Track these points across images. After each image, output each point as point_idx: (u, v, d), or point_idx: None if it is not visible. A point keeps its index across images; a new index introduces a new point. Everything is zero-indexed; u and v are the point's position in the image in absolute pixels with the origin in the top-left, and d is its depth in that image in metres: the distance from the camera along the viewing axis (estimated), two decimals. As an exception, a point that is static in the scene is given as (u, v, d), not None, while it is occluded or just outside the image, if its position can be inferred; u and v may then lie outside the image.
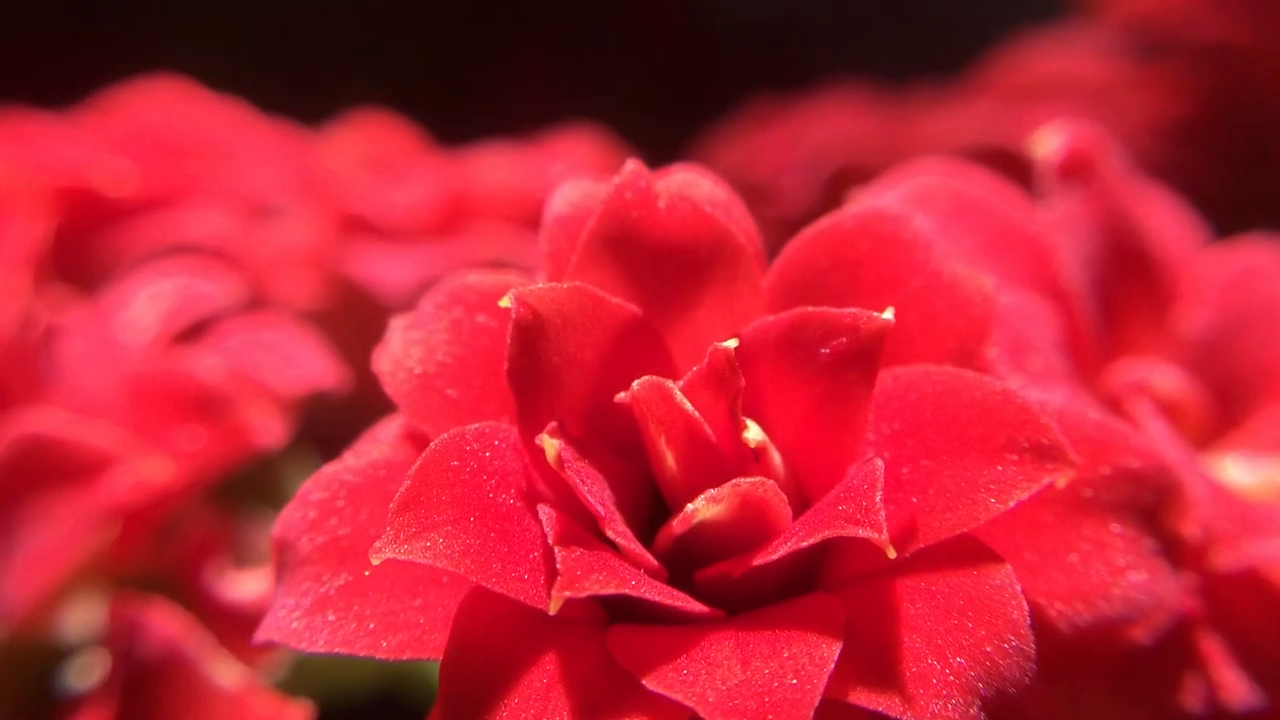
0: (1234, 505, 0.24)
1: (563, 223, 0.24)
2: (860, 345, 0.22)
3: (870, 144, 0.54)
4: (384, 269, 0.42)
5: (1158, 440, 0.25)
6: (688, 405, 0.22)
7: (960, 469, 0.21)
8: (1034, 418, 0.21)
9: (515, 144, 0.49)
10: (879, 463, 0.21)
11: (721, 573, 0.21)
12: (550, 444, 0.20)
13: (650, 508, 0.23)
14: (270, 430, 0.28)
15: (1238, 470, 0.29)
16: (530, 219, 0.32)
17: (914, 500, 0.21)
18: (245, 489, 0.33)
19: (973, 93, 0.54)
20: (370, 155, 0.46)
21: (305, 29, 0.77)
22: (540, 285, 0.22)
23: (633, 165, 0.24)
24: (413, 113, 0.49)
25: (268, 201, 0.41)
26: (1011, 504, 0.21)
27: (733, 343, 0.22)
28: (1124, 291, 0.30)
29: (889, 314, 0.22)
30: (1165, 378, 0.28)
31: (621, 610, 0.21)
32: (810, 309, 0.23)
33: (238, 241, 0.39)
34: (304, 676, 0.29)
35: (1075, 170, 0.29)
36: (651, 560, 0.21)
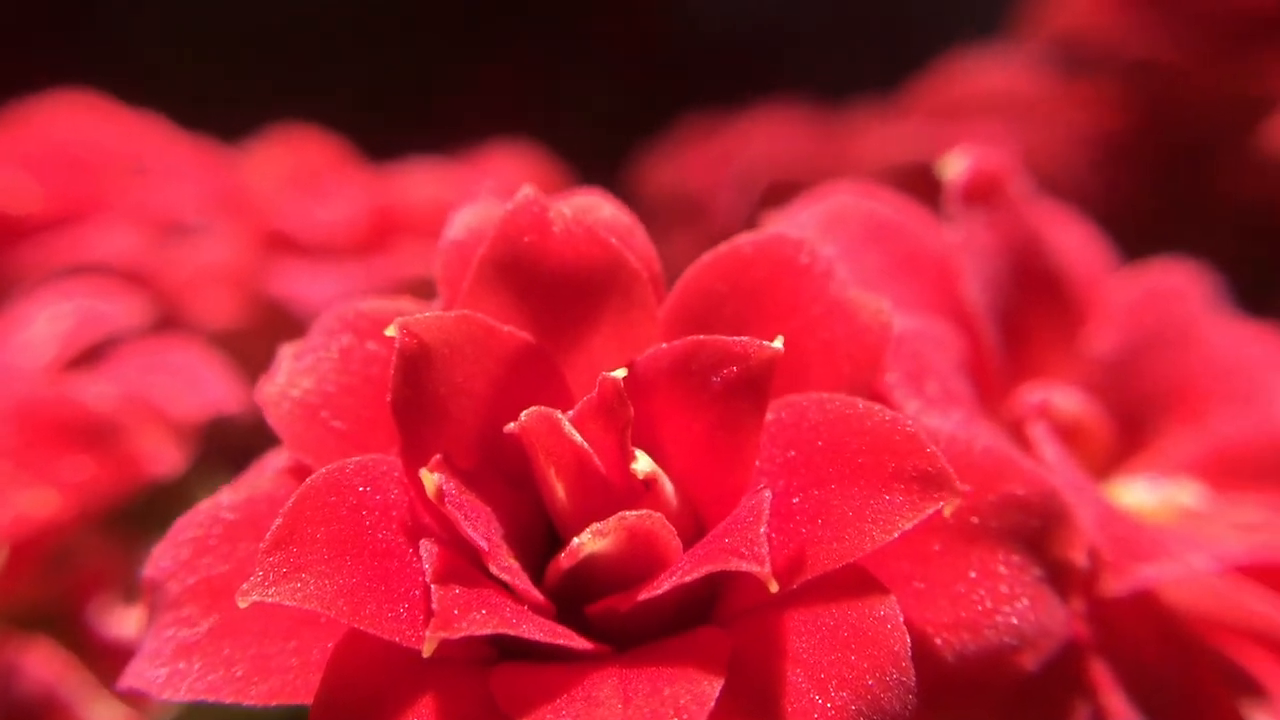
0: (1125, 529, 0.24)
1: (457, 248, 0.24)
2: (750, 374, 0.22)
3: (802, 161, 0.54)
4: (305, 287, 0.42)
5: (1052, 464, 0.25)
6: (576, 436, 0.22)
7: (848, 499, 0.21)
8: (920, 446, 0.21)
9: (446, 160, 0.48)
10: (766, 494, 0.21)
11: (609, 608, 0.21)
12: (430, 478, 0.20)
13: (546, 541, 0.23)
14: (165, 458, 0.27)
15: (1141, 492, 0.29)
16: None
17: (804, 531, 0.21)
18: (158, 517, 0.33)
19: (905, 109, 0.55)
20: (295, 171, 0.45)
21: (276, 39, 0.76)
22: (427, 314, 0.22)
23: (527, 190, 0.24)
24: (380, 126, 0.49)
25: (184, 219, 0.41)
26: (896, 534, 0.20)
27: (621, 372, 0.22)
28: (1031, 314, 0.30)
29: (779, 343, 0.22)
30: (1067, 400, 0.29)
31: (513, 648, 0.21)
32: (702, 337, 0.22)
33: (150, 260, 0.38)
34: (199, 715, 0.28)
35: (980, 193, 0.30)
36: (538, 596, 0.21)
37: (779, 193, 0.47)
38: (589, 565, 0.21)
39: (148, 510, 0.32)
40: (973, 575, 0.22)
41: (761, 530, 0.20)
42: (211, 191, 0.42)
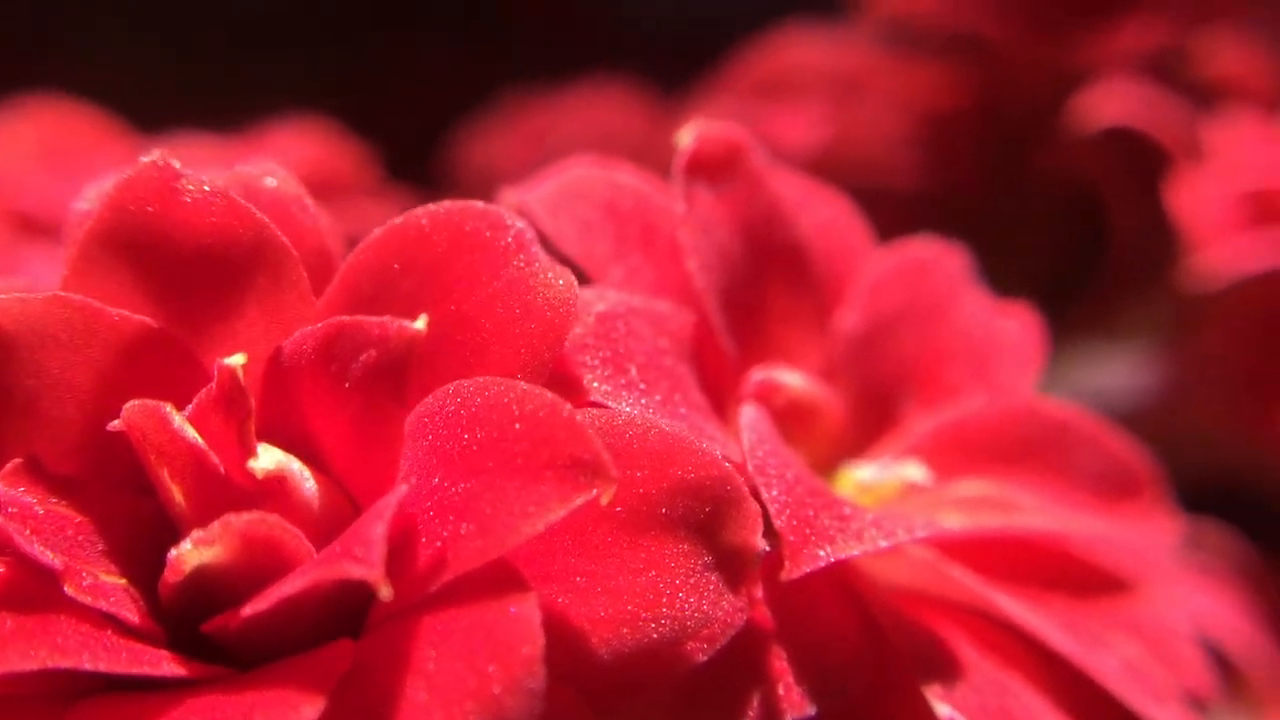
0: (811, 511, 0.23)
1: (80, 219, 0.21)
2: (389, 358, 0.20)
3: (628, 140, 0.52)
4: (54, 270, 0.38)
5: (749, 446, 0.23)
6: (189, 432, 0.19)
7: (496, 490, 0.19)
8: (576, 432, 0.19)
9: (225, 136, 0.45)
10: (400, 490, 0.19)
11: (222, 626, 0.19)
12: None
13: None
14: None
15: (870, 473, 0.28)
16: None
17: (449, 527, 0.19)
18: None
19: (725, 88, 0.53)
20: (46, 146, 0.42)
21: (214, 24, 0.71)
22: (7, 296, 0.19)
23: (156, 154, 0.21)
24: (309, 104, 0.46)
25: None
26: (543, 525, 0.19)
27: (239, 358, 0.19)
28: (772, 292, 0.29)
29: (421, 323, 0.20)
30: (793, 380, 0.27)
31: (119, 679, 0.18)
32: (344, 319, 0.20)
33: None
34: None
35: (708, 166, 0.28)
36: (133, 618, 0.18)
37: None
38: (203, 578, 0.19)
39: None
40: (640, 567, 0.20)
41: (378, 531, 0.18)
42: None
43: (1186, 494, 0.49)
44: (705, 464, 0.21)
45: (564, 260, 0.27)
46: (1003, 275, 0.58)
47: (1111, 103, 0.46)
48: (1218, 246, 0.38)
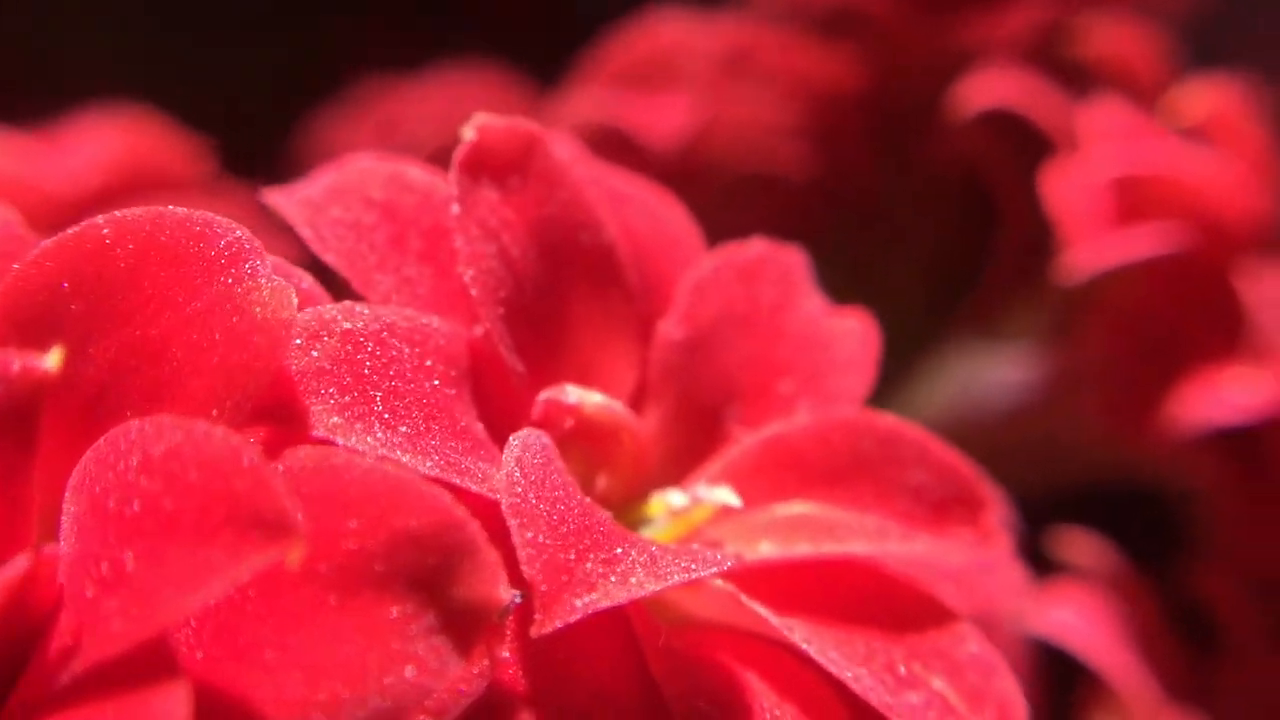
0: (585, 553, 0.20)
1: None
2: (13, 402, 0.16)
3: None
4: None
5: (507, 481, 0.20)
6: None
7: (158, 556, 0.17)
8: (260, 482, 0.17)
9: (30, 129, 0.42)
10: (19, 563, 0.16)
11: None
12: None
13: None
14: None
15: (682, 497, 0.25)
16: (29, 211, 0.26)
17: (101, 604, 0.16)
18: None
19: (591, 76, 0.50)
20: None
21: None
22: None
23: None
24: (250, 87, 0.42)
25: None
26: (210, 597, 0.16)
27: None
28: (578, 304, 0.26)
29: (53, 359, 0.17)
30: (592, 400, 0.24)
31: None
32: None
33: None
34: None
35: (491, 164, 0.25)
36: None
37: (442, 162, 0.42)
38: None
39: None
40: (347, 635, 0.17)
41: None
42: None
43: (1067, 496, 0.47)
44: (432, 510, 0.19)
45: (316, 270, 0.24)
46: (891, 268, 0.56)
47: (989, 86, 0.44)
48: (1081, 239, 0.36)
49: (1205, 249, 0.38)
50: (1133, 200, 0.37)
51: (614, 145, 0.49)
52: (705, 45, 0.51)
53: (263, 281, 0.20)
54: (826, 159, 0.54)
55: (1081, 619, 0.34)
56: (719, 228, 0.34)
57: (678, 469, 0.27)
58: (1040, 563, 0.39)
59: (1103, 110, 0.40)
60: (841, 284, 0.54)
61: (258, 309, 0.19)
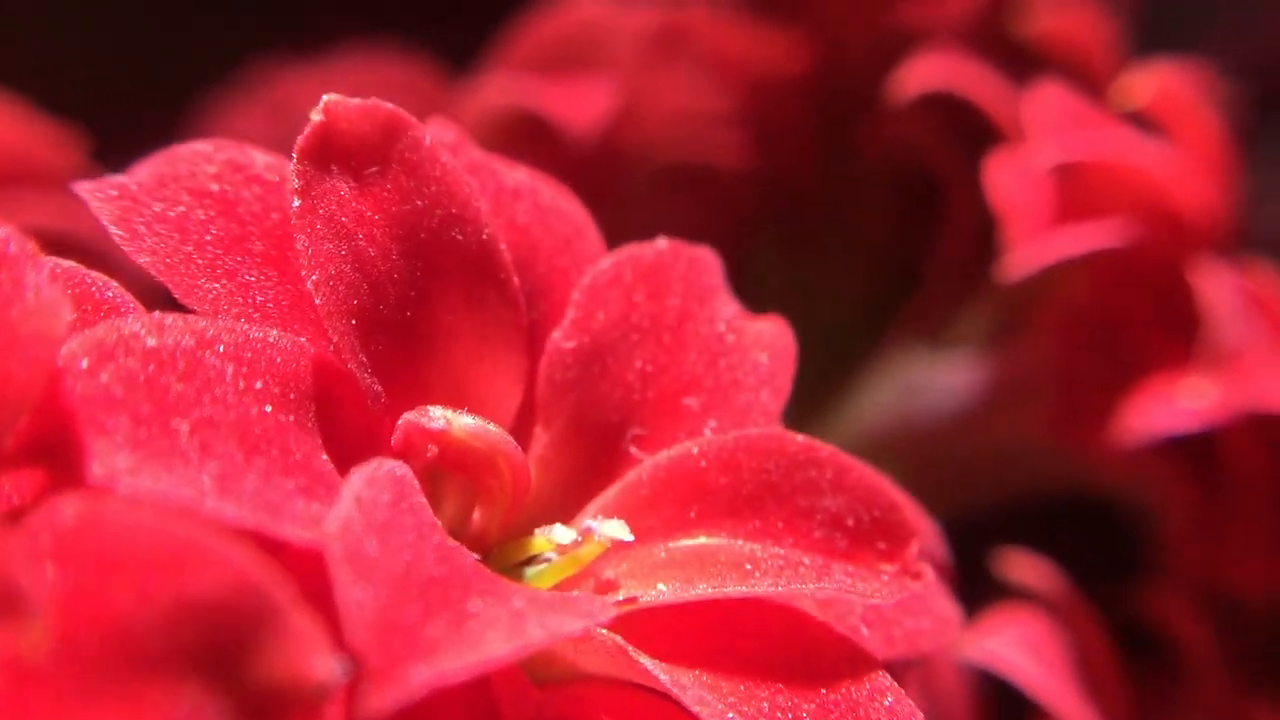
0: (430, 612, 0.17)
1: None
2: None
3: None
4: None
5: (336, 529, 0.17)
6: None
7: None
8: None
9: None
10: None
11: None
12: None
13: None
14: None
15: (567, 533, 0.22)
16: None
17: None
18: None
19: (510, 53, 0.47)
20: None
21: None
22: None
23: None
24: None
25: None
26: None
27: None
28: (450, 314, 0.23)
29: None
30: (461, 423, 0.21)
31: None
32: None
33: None
34: None
35: (344, 152, 0.22)
36: None
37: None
38: None
39: None
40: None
41: None
42: None
43: (1015, 508, 0.45)
44: (223, 571, 0.15)
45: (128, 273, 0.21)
46: (831, 265, 0.53)
47: (928, 69, 0.41)
48: (1023, 232, 0.33)
49: (1157, 244, 0.36)
50: (1079, 191, 0.34)
51: (530, 133, 0.46)
52: (631, 25, 0.48)
53: (28, 292, 0.16)
54: (761, 147, 0.50)
55: (1021, 646, 0.31)
56: (644, 223, 0.31)
57: (570, 499, 0.24)
58: (985, 582, 0.36)
59: (1048, 95, 0.37)
60: (777, 282, 0.52)
61: (19, 325, 0.16)
